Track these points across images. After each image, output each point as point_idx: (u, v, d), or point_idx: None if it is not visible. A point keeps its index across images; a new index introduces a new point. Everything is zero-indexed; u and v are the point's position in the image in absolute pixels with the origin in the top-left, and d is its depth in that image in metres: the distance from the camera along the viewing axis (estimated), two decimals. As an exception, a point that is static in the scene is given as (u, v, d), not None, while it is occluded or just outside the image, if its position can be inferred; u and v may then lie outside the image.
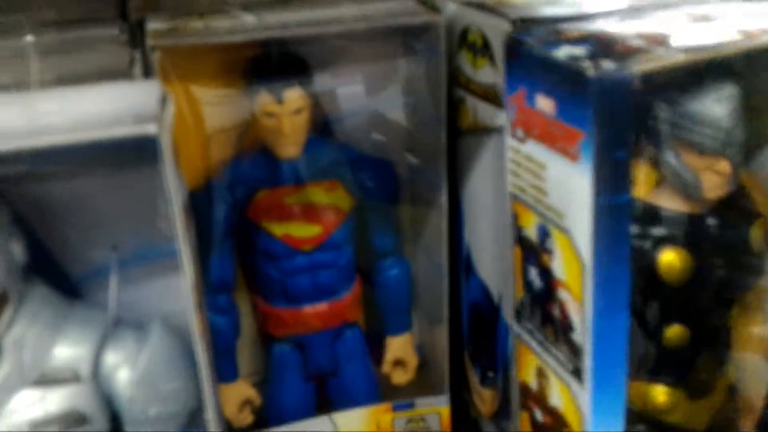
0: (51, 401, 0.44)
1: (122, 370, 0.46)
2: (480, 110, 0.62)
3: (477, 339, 0.72)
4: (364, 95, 0.70)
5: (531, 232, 0.53)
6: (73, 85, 0.46)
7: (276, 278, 0.68)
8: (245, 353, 0.72)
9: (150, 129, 0.39)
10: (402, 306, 0.73)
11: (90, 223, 0.46)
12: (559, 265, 0.50)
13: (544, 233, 0.51)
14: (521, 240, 0.55)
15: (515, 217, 0.55)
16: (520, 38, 0.52)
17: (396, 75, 0.69)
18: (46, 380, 0.44)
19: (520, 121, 0.52)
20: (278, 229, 0.67)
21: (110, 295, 0.47)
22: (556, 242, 0.50)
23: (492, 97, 0.59)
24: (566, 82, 0.46)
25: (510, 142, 0.54)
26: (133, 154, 0.42)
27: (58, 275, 0.48)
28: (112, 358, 0.46)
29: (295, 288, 0.68)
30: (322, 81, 0.67)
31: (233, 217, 0.67)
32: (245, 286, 0.72)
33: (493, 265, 0.65)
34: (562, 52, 0.47)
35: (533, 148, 0.51)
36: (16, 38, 0.54)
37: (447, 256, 0.68)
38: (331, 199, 0.68)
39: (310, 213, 0.67)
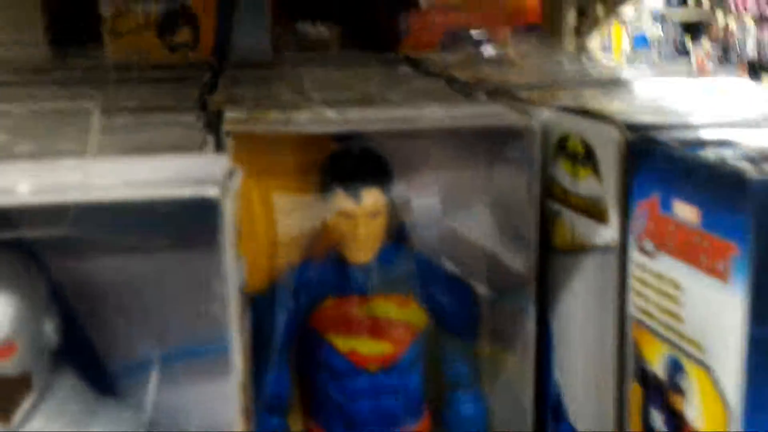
0: None
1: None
2: (579, 226, 0.55)
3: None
4: (441, 209, 0.64)
5: (657, 366, 0.45)
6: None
7: (336, 401, 0.61)
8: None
9: (211, 192, 0.34)
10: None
11: (135, 308, 0.41)
12: (695, 410, 0.42)
13: (675, 368, 0.44)
14: (643, 376, 0.47)
15: (636, 347, 0.47)
16: (654, 139, 0.46)
17: (480, 187, 0.64)
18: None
19: (651, 232, 0.45)
20: (344, 344, 0.60)
21: (148, 395, 0.40)
22: (693, 380, 0.43)
23: (595, 211, 0.53)
24: (716, 186, 0.40)
25: (636, 256, 0.47)
26: (192, 231, 0.37)
27: (92, 364, 0.42)
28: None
29: (355, 414, 0.61)
30: (400, 188, 0.62)
31: (295, 327, 0.61)
32: (300, 409, 0.65)
33: (592, 410, 0.56)
34: (710, 154, 0.41)
35: (666, 264, 0.44)
36: (84, 118, 0.51)
37: (532, 398, 0.60)
38: (403, 314, 0.61)
39: (379, 328, 0.61)
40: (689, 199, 0.42)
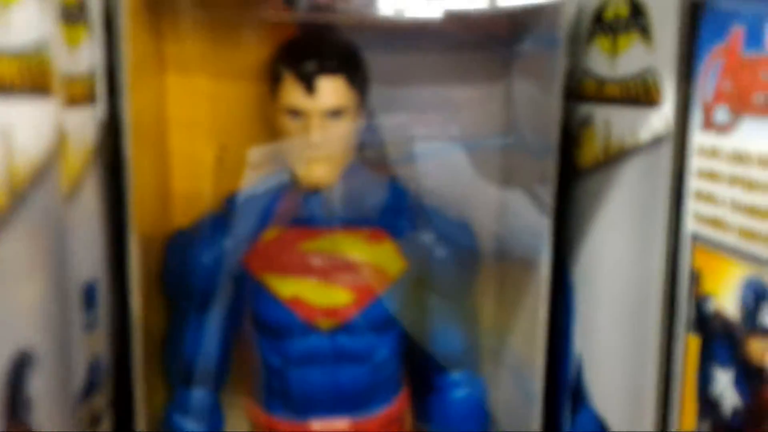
0: None
1: None
2: (616, 124, 0.38)
3: None
4: (441, 122, 0.48)
5: (728, 300, 0.28)
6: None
7: (274, 368, 0.44)
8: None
9: None
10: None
11: None
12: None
13: (759, 297, 0.27)
14: (702, 321, 0.30)
15: (696, 280, 0.30)
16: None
17: (489, 96, 0.48)
18: None
19: (726, 93, 0.29)
20: (286, 288, 0.44)
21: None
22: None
23: (641, 92, 0.36)
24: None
25: (700, 140, 0.30)
26: None
27: None
28: None
29: (300, 388, 0.44)
30: (385, 96, 0.46)
31: (228, 272, 0.44)
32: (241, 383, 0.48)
33: (623, 388, 0.39)
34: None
35: (751, 134, 0.27)
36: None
37: (543, 376, 0.43)
38: (371, 254, 0.44)
39: (336, 270, 0.44)
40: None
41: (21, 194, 0.25)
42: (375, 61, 0.45)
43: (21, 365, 0.24)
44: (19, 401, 0.24)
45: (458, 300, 0.48)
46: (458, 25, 0.46)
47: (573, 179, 0.43)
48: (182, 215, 0.47)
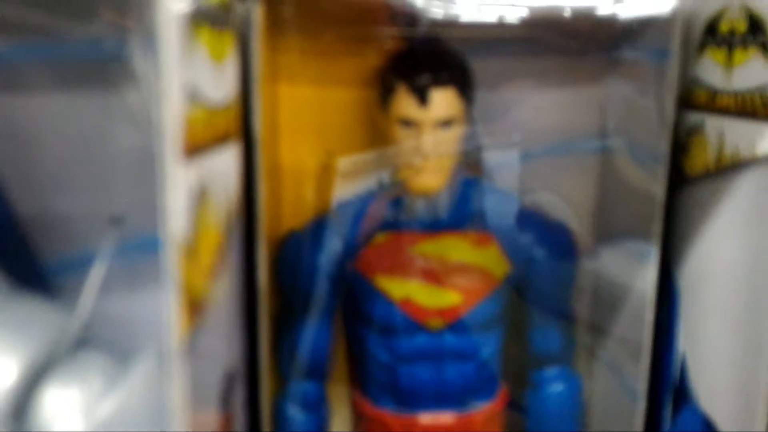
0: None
1: (66, 418, 0.25)
2: (730, 135, 0.39)
3: None
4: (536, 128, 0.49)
5: None
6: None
7: (383, 364, 0.46)
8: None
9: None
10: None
11: (87, 174, 0.27)
12: None
13: None
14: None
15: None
16: None
17: (593, 100, 0.49)
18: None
19: None
20: (396, 290, 0.46)
21: (85, 292, 0.27)
22: None
23: (757, 106, 0.37)
24: None
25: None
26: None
27: (21, 252, 0.28)
28: (55, 395, 0.25)
29: (409, 384, 0.46)
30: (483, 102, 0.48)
31: (341, 273, 0.46)
32: (345, 375, 0.51)
33: (732, 389, 0.40)
34: None
35: None
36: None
37: (647, 374, 0.44)
38: (478, 258, 0.46)
39: (444, 273, 0.46)
40: None
41: (231, 232, 0.26)
42: (477, 67, 0.47)
43: (230, 383, 0.26)
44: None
45: (556, 299, 0.49)
46: (559, 31, 0.47)
47: (680, 185, 0.44)
48: (291, 218, 0.49)
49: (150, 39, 0.21)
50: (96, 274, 0.27)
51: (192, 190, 0.23)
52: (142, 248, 0.27)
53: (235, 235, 0.32)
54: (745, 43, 0.38)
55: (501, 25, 0.45)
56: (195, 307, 0.25)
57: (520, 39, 0.48)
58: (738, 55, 0.39)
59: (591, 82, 0.49)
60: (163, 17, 0.21)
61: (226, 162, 0.31)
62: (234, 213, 0.31)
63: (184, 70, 0.22)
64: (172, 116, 0.21)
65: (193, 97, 0.24)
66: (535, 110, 0.50)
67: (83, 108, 0.27)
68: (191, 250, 0.23)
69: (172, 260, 0.21)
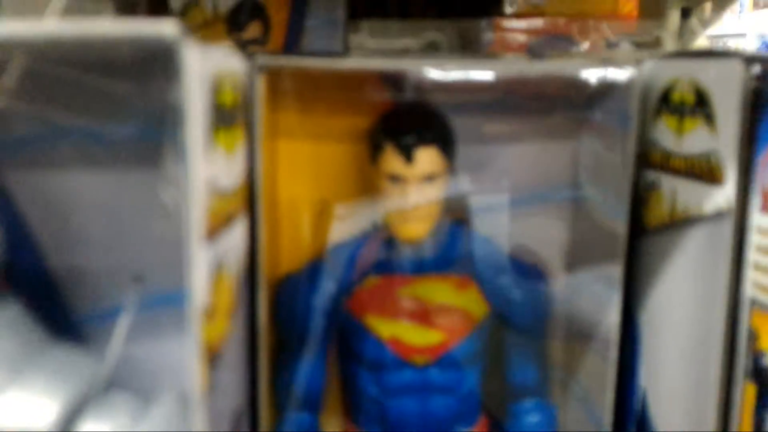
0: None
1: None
2: (682, 193, 0.44)
3: None
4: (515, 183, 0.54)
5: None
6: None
7: (373, 397, 0.51)
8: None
9: (166, 30, 0.25)
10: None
11: (105, 233, 0.32)
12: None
13: None
14: (758, 371, 0.35)
15: (753, 338, 0.36)
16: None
17: (567, 154, 0.54)
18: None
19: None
20: (385, 329, 0.50)
21: (113, 344, 0.31)
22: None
23: (704, 171, 0.42)
24: None
25: (759, 220, 0.36)
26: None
27: (52, 303, 0.33)
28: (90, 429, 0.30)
29: (396, 415, 0.51)
30: (467, 157, 0.52)
31: (334, 312, 0.51)
32: (338, 408, 0.55)
33: (688, 423, 0.45)
34: None
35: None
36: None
37: (612, 406, 0.49)
38: (460, 300, 0.51)
39: (429, 314, 0.50)
40: None
41: (239, 286, 0.30)
42: (460, 125, 0.52)
43: (239, 419, 0.30)
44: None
45: (532, 337, 0.54)
46: (532, 91, 0.52)
47: (641, 236, 0.49)
48: (288, 262, 0.53)
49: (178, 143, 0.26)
50: (122, 325, 0.31)
51: (211, 267, 0.28)
52: (163, 302, 0.32)
53: (242, 286, 0.37)
54: (693, 113, 0.43)
55: (482, 88, 0.50)
56: (212, 355, 0.29)
57: (499, 100, 0.53)
58: (687, 123, 0.44)
59: (565, 138, 0.54)
60: (190, 131, 0.26)
61: (236, 236, 0.36)
62: (242, 270, 0.36)
63: (206, 173, 0.27)
64: (197, 211, 0.25)
65: (213, 190, 0.28)
66: (514, 162, 0.55)
67: (113, 184, 0.31)
68: (210, 313, 0.27)
69: (195, 326, 0.26)
